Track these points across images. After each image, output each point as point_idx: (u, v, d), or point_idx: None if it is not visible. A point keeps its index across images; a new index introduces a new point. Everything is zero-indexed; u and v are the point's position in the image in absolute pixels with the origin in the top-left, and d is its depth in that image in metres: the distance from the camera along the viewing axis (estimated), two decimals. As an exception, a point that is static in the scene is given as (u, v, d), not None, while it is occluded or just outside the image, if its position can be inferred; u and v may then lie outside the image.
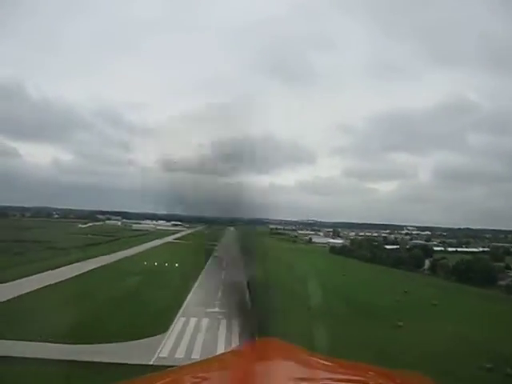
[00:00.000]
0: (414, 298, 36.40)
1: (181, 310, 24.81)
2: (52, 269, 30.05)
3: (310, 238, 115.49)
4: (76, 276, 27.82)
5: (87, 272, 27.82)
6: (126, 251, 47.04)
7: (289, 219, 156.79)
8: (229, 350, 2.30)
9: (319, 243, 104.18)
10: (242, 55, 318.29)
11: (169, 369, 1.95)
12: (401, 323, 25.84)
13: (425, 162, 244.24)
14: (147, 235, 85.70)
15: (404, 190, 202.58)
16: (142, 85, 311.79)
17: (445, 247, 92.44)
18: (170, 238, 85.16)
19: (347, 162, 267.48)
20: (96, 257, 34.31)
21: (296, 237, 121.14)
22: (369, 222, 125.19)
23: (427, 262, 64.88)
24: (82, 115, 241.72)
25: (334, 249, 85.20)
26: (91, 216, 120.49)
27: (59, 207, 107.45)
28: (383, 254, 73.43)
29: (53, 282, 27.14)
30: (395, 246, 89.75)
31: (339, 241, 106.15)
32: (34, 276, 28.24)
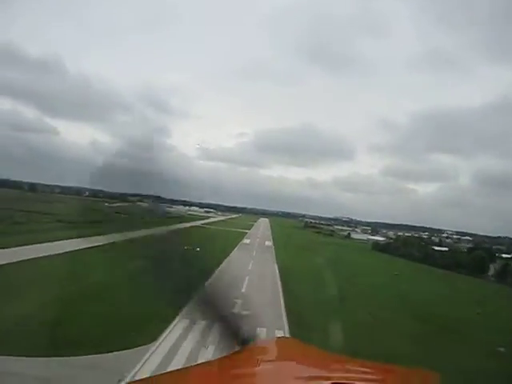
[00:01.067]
0: (496, 311, 27.96)
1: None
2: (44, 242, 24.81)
3: (349, 233, 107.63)
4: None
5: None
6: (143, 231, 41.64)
7: (324, 215, 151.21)
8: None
9: (358, 239, 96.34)
10: (282, 37, 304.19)
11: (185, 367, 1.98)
12: (502, 349, 17.83)
13: (467, 165, 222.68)
14: (174, 218, 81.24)
15: (443, 193, 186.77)
16: (184, 69, 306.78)
17: (499, 253, 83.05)
18: (198, 223, 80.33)
19: (386, 161, 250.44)
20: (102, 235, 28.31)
21: (333, 231, 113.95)
22: (405, 223, 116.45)
23: (492, 268, 55.24)
24: (123, 96, 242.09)
25: (377, 245, 76.26)
26: (122, 197, 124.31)
27: (93, 188, 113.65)
28: (435, 254, 63.95)
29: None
30: (444, 248, 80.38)
31: (380, 238, 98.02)
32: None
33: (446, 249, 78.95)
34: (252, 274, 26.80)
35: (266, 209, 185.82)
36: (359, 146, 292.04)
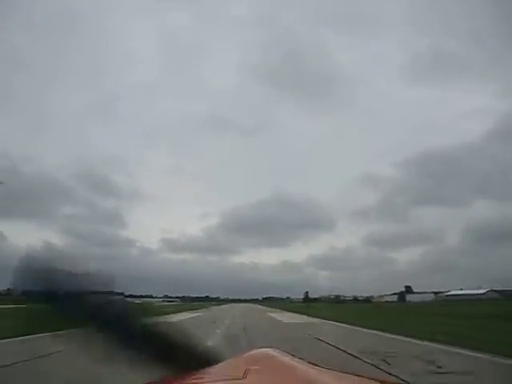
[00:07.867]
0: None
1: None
2: None
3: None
4: None
5: None
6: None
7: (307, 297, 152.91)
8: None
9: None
10: (247, 64, 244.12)
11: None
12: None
13: (459, 216, 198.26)
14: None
15: (428, 259, 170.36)
16: (122, 135, 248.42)
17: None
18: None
19: (368, 226, 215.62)
20: None
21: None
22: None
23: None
24: (61, 180, 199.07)
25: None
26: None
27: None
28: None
29: None
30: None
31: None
32: None
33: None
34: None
35: (242, 298, 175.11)
36: (339, 211, 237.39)
